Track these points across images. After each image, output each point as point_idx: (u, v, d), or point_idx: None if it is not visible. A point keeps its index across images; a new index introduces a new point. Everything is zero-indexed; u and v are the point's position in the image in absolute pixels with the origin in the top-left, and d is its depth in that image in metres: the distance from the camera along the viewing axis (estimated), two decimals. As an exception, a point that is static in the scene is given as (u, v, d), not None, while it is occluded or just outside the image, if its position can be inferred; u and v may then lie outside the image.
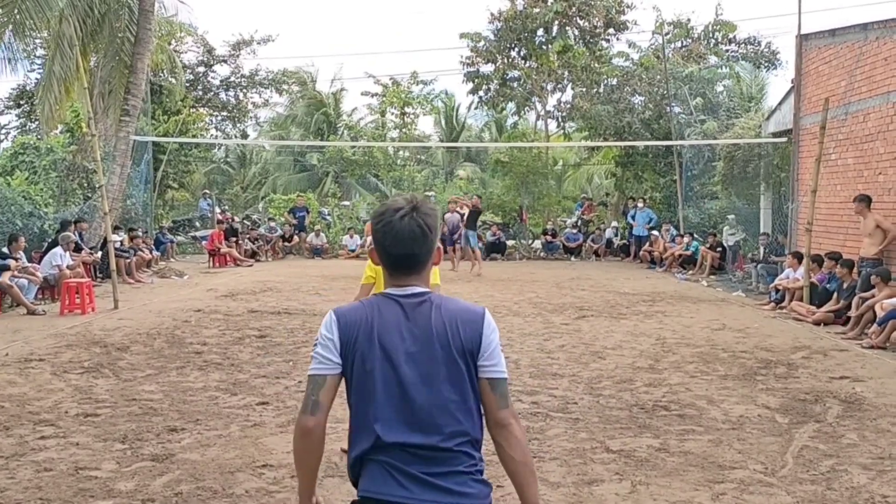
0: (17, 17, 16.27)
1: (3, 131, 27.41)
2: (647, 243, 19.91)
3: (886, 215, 11.06)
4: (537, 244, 22.78)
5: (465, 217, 18.37)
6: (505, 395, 2.21)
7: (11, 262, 11.55)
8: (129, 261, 15.20)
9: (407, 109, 28.58)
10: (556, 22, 25.29)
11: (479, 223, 21.25)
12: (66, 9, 16.35)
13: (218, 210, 24.23)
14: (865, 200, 10.99)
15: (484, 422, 2.22)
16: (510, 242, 22.69)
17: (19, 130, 25.50)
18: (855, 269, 10.81)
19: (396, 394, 2.13)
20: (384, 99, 28.91)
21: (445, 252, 18.56)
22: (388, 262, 2.26)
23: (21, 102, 25.10)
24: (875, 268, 10.25)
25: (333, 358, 2.17)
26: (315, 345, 2.22)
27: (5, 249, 12.03)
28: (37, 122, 22.56)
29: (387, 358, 2.15)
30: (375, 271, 4.83)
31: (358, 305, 2.28)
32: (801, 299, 11.60)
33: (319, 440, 2.21)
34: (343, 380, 2.21)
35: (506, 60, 26.12)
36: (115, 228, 15.25)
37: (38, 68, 22.55)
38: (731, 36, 24.78)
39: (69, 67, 16.85)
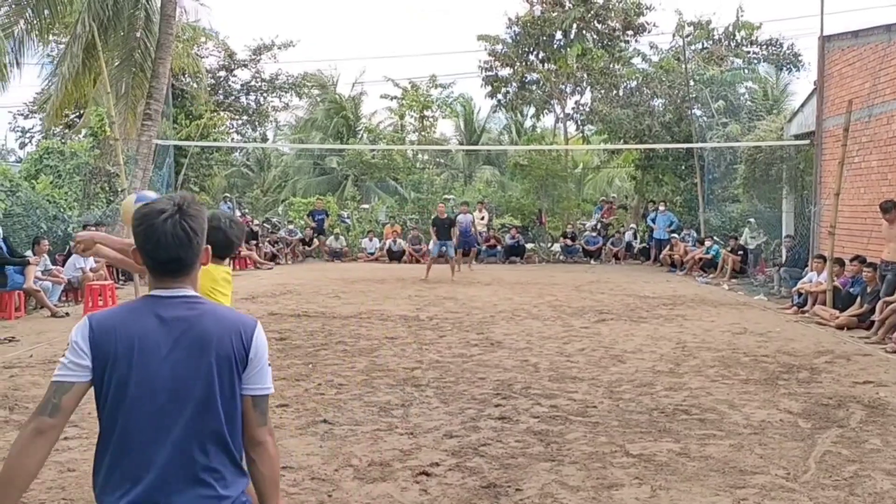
0: (42, 22, 16.55)
1: (28, 135, 27.85)
2: (668, 247, 19.79)
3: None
4: (556, 247, 22.73)
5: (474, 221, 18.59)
6: (265, 413, 2.16)
7: (30, 266, 11.67)
8: (150, 263, 15.33)
9: (426, 112, 28.63)
10: (575, 26, 25.24)
11: (487, 227, 21.40)
12: (83, 13, 16.56)
13: (238, 213, 24.39)
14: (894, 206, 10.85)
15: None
16: (529, 245, 22.66)
17: (43, 135, 25.83)
18: (877, 273, 10.68)
19: (151, 407, 2.04)
20: (403, 102, 28.99)
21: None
22: (151, 266, 2.15)
23: (45, 107, 25.40)
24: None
25: (83, 362, 2.07)
26: (66, 350, 2.11)
27: (29, 252, 12.17)
28: (60, 127, 22.84)
29: (143, 367, 2.04)
30: None
31: (116, 310, 2.18)
32: (824, 303, 11.47)
33: (50, 445, 2.08)
34: (93, 389, 2.11)
35: (524, 64, 26.10)
36: (138, 231, 15.38)
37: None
38: (752, 37, 24.60)
39: (76, 68, 17.07)
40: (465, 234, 18.13)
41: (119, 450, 2.07)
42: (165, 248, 2.09)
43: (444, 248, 16.58)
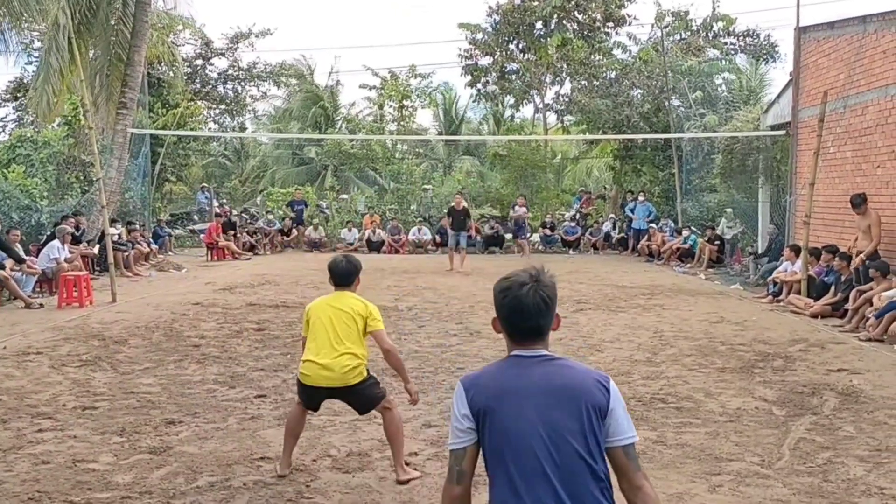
0: (15, 8, 16.20)
1: (1, 124, 27.42)
2: (646, 236, 19.90)
3: (884, 208, 11.09)
4: (535, 238, 22.77)
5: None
6: (636, 459, 2.33)
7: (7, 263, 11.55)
8: (127, 254, 15.19)
9: (405, 102, 28.50)
10: (555, 16, 25.22)
11: (475, 217, 21.31)
12: (61, 2, 16.25)
13: (216, 203, 24.18)
14: (865, 200, 10.95)
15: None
16: (508, 236, 22.67)
17: (16, 123, 25.45)
18: (852, 263, 10.80)
19: (534, 455, 2.21)
20: (382, 92, 28.83)
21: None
22: (514, 332, 2.38)
23: (18, 95, 25.02)
24: (872, 261, 10.26)
25: (468, 426, 2.31)
26: (452, 418, 2.36)
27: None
28: (34, 115, 22.50)
29: (518, 416, 2.24)
30: (308, 318, 4.84)
31: (486, 370, 2.41)
32: (798, 292, 11.60)
33: (469, 501, 2.33)
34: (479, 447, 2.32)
35: (504, 53, 26.05)
36: (113, 222, 15.22)
37: (35, 60, 22.48)
38: (729, 29, 24.71)
39: (65, 59, 16.78)
40: (519, 226, 18.66)
41: (508, 495, 2.22)
42: (529, 317, 2.34)
43: (458, 240, 16.51)
